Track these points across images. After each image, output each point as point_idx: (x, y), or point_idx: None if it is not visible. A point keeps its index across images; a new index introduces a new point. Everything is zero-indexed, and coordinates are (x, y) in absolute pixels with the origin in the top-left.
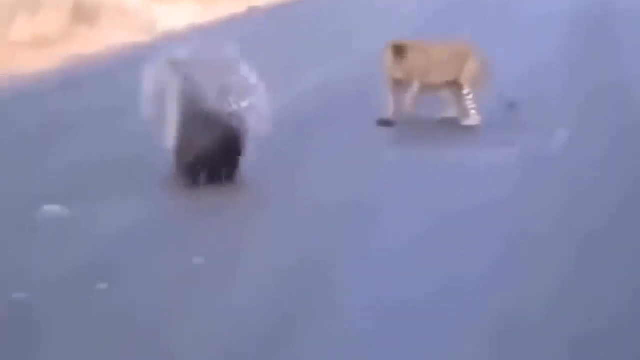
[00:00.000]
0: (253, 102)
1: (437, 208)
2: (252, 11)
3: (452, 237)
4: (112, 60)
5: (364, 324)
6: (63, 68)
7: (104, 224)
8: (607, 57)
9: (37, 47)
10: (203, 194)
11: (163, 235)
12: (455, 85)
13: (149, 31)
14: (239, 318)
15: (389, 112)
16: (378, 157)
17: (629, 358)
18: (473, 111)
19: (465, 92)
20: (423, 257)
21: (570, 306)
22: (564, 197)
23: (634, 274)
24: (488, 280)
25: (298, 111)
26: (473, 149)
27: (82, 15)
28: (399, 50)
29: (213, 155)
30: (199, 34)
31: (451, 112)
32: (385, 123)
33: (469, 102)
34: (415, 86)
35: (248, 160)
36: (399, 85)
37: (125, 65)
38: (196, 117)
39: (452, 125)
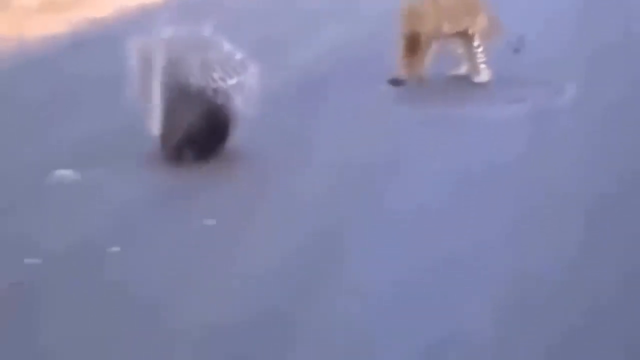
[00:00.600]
0: (241, 81)
1: (450, 166)
2: None
3: (467, 196)
4: (122, 23)
5: (380, 288)
6: (73, 32)
7: (115, 188)
8: (615, 13)
9: (46, 12)
10: (212, 164)
11: (174, 200)
12: (465, 36)
13: None
14: (253, 278)
15: (400, 72)
16: (389, 116)
17: None
18: (483, 66)
19: (475, 44)
20: (439, 218)
21: (588, 265)
22: (576, 151)
23: None
24: (505, 240)
25: (308, 74)
26: (484, 105)
27: None
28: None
29: (198, 133)
30: None
31: (462, 70)
32: (396, 82)
33: (479, 56)
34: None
35: (254, 128)
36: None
37: (136, 28)
38: (180, 95)
39: (463, 83)
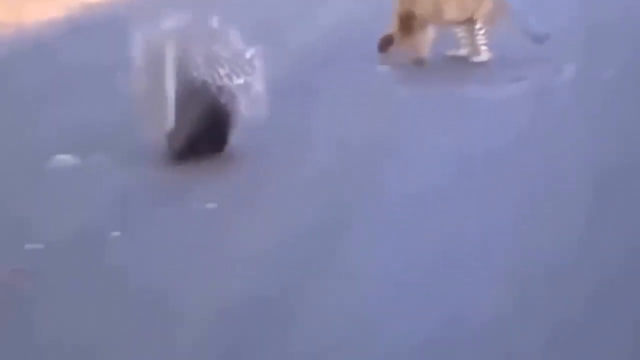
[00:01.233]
0: (249, 82)
1: (451, 146)
2: None
3: (468, 176)
4: (120, 8)
5: (380, 273)
6: (71, 17)
7: (115, 173)
8: None
9: None
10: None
11: (175, 184)
12: (469, 22)
13: None
14: (253, 262)
15: (420, 52)
16: (389, 97)
17: None
18: (484, 47)
19: (477, 27)
20: (441, 200)
21: (592, 246)
22: (577, 129)
23: None
24: (507, 222)
25: (307, 56)
26: (484, 85)
27: None
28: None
29: (197, 132)
30: None
31: (462, 52)
32: (419, 62)
33: (479, 38)
34: (430, 29)
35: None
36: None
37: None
38: (183, 90)
39: (462, 62)
